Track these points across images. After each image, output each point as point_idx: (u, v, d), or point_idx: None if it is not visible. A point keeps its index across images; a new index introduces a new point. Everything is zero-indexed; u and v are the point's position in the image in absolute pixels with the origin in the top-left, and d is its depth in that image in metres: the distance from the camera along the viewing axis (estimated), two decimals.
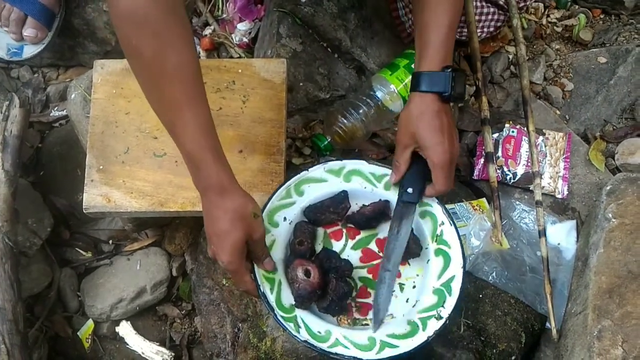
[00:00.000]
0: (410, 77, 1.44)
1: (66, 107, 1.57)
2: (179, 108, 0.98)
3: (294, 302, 1.12)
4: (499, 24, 1.56)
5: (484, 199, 1.38)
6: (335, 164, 1.26)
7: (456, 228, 1.19)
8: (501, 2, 1.54)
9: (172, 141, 1.06)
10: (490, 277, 1.27)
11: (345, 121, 1.44)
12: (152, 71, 0.97)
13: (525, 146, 1.45)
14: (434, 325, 1.11)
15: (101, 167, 1.29)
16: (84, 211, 1.27)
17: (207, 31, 1.73)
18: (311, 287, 1.10)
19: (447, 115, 1.12)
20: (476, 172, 1.45)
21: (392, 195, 1.24)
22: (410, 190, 1.18)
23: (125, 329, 1.47)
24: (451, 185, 1.14)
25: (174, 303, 1.53)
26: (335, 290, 1.11)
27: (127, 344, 1.46)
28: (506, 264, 1.30)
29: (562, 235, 1.39)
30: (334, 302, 1.12)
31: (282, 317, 1.10)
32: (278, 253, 1.18)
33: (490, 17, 1.54)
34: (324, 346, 1.08)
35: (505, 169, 1.43)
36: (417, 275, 1.21)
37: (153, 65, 0.96)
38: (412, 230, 1.18)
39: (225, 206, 1.04)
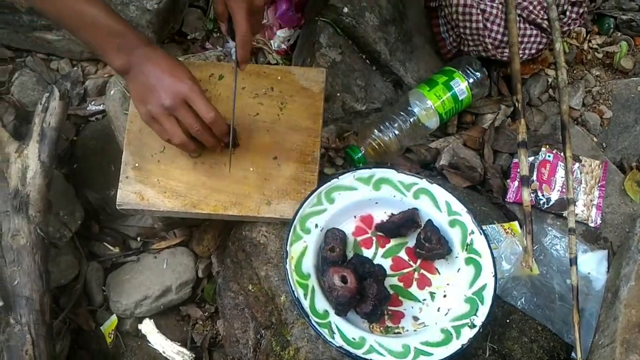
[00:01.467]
0: (448, 94, 1.45)
1: (104, 102, 1.58)
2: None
3: (333, 310, 1.14)
4: (540, 46, 1.56)
5: (515, 223, 1.37)
6: (364, 172, 1.28)
7: (486, 237, 1.22)
8: (544, 25, 1.53)
9: None
10: (519, 302, 1.26)
11: (380, 134, 1.44)
12: None
13: (560, 172, 1.44)
14: (467, 334, 1.13)
15: (137, 164, 1.29)
16: (117, 207, 1.28)
17: None
18: (350, 292, 1.11)
19: None
20: (509, 195, 1.44)
21: (421, 204, 1.26)
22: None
23: (148, 327, 1.47)
24: (258, 29, 1.21)
25: (198, 304, 1.53)
26: (377, 295, 1.12)
27: (149, 342, 1.46)
28: (536, 290, 1.29)
29: (592, 264, 1.37)
30: (377, 307, 1.13)
31: (316, 322, 1.11)
32: (310, 259, 1.19)
33: (532, 39, 1.54)
34: (359, 352, 1.10)
35: (539, 194, 1.42)
36: (448, 284, 1.22)
37: None
38: (438, 229, 1.22)
39: (173, 61, 1.14)
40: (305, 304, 1.13)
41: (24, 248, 1.28)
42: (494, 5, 1.50)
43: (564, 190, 1.42)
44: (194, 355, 1.44)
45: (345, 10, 1.51)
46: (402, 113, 1.46)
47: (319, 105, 1.34)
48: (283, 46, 1.72)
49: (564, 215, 1.42)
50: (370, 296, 1.13)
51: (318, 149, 1.31)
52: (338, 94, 1.51)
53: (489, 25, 1.50)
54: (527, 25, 1.53)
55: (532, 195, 1.41)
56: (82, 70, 1.70)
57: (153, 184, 1.28)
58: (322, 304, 1.15)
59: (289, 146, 1.31)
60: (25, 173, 1.33)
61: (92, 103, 1.66)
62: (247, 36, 1.13)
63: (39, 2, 1.09)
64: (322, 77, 1.36)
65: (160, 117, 1.13)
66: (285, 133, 1.32)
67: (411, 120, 1.46)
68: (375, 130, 1.44)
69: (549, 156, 1.46)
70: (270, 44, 1.73)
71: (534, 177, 1.44)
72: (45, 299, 1.28)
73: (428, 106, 1.46)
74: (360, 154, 1.45)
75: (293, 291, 1.13)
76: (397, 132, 1.44)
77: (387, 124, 1.45)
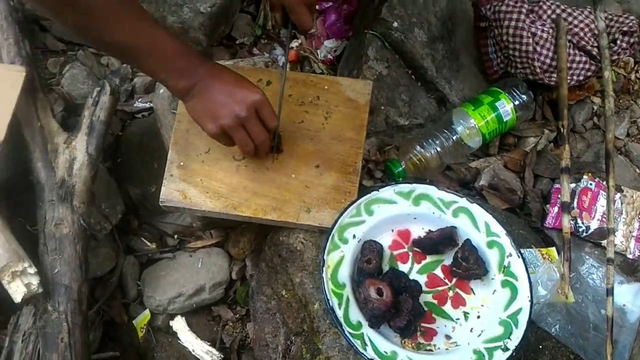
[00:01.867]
0: (493, 115, 1.45)
1: (152, 100, 1.61)
2: (147, 25, 1.06)
3: (366, 322, 1.14)
4: (589, 73, 1.55)
5: (553, 249, 1.36)
6: (405, 187, 1.29)
7: (524, 260, 1.21)
8: (594, 52, 1.52)
9: None
10: (553, 329, 1.25)
11: (422, 150, 1.44)
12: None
13: (602, 200, 1.43)
14: (500, 356, 1.12)
15: (182, 163, 1.31)
16: (160, 204, 1.30)
17: (295, 44, 1.75)
18: (385, 306, 1.11)
19: None
20: (549, 220, 1.43)
21: (460, 223, 1.26)
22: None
23: (179, 324, 1.48)
24: (308, 25, 1.21)
25: (229, 306, 1.54)
26: (412, 311, 1.13)
27: (179, 339, 1.47)
28: (570, 318, 1.28)
29: (628, 296, 1.36)
30: (411, 322, 1.13)
31: (349, 333, 1.11)
32: (346, 269, 1.20)
33: (581, 65, 1.53)
34: None
35: (579, 221, 1.41)
36: (482, 305, 1.22)
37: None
38: (476, 249, 1.21)
39: (235, 74, 1.16)
40: (339, 313, 1.14)
41: (66, 237, 1.30)
42: (545, 29, 1.50)
43: (604, 219, 1.41)
44: (222, 356, 1.45)
45: (395, 24, 1.52)
46: (445, 130, 1.46)
47: (363, 117, 1.35)
48: (329, 56, 1.73)
49: (602, 244, 1.41)
50: (405, 311, 1.14)
51: (360, 161, 1.32)
52: (382, 107, 1.51)
53: (538, 48, 1.50)
54: (576, 52, 1.53)
55: (571, 222, 1.40)
56: (131, 67, 1.73)
57: (196, 183, 1.30)
58: (355, 314, 1.15)
59: (332, 156, 1.32)
60: (72, 164, 1.36)
61: (139, 100, 1.69)
62: (301, 6, 1.16)
63: (104, 32, 1.05)
64: (369, 90, 1.37)
65: (232, 129, 1.14)
66: (328, 142, 1.33)
67: (454, 138, 1.46)
68: (417, 146, 1.45)
69: (590, 184, 1.45)
70: (317, 54, 1.74)
71: (575, 204, 1.43)
72: (83, 289, 1.30)
73: (472, 125, 1.46)
74: (400, 169, 1.45)
75: (328, 300, 1.14)
76: (438, 149, 1.44)
77: (429, 140, 1.45)
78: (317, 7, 1.64)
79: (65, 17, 1.00)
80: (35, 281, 1.21)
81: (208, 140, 1.31)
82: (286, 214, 1.28)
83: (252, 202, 1.29)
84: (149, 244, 1.57)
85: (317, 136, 1.34)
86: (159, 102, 1.46)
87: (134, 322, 1.50)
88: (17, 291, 1.20)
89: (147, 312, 1.50)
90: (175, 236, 1.58)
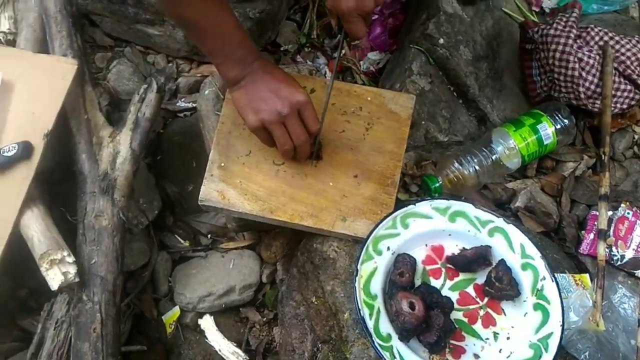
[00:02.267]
0: (534, 137, 1.45)
1: (194, 100, 1.63)
2: (221, 2, 1.11)
3: (396, 334, 1.14)
4: (632, 102, 1.54)
5: (587, 275, 1.35)
6: (441, 202, 1.29)
7: (558, 285, 1.20)
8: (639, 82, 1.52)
9: None
10: (583, 356, 1.24)
11: (459, 167, 1.44)
12: None
13: (638, 230, 1.42)
14: None
15: (222, 164, 1.33)
16: (199, 203, 1.32)
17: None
18: (417, 320, 1.11)
19: None
20: (583, 246, 1.42)
21: (495, 243, 1.26)
22: None
23: (207, 323, 1.50)
24: (359, 33, 1.18)
25: (258, 308, 1.56)
26: (443, 327, 1.13)
27: (207, 338, 1.49)
28: (600, 346, 1.26)
29: None
30: (441, 338, 1.13)
31: (379, 345, 1.12)
32: (378, 281, 1.20)
33: (625, 94, 1.52)
34: None
35: (614, 250, 1.40)
36: (512, 327, 1.21)
37: None
38: (510, 270, 1.21)
39: (284, 73, 1.19)
40: (370, 324, 1.14)
41: (105, 229, 1.32)
42: (592, 55, 1.50)
43: (639, 249, 1.40)
44: (248, 358, 1.46)
45: (441, 41, 1.53)
46: (484, 149, 1.46)
47: (404, 131, 1.36)
48: (372, 68, 1.75)
49: (636, 274, 1.39)
50: (435, 326, 1.13)
51: (399, 174, 1.33)
52: (422, 122, 1.52)
53: (584, 74, 1.49)
54: (621, 80, 1.52)
55: (606, 250, 1.39)
56: (176, 67, 1.76)
57: (235, 185, 1.32)
58: (386, 326, 1.15)
59: (371, 167, 1.33)
60: (115, 158, 1.38)
61: (182, 100, 1.71)
62: (352, 13, 1.15)
63: (176, 6, 1.12)
64: (411, 104, 1.38)
65: (272, 124, 1.17)
66: (368, 153, 1.34)
67: (492, 157, 1.45)
68: (456, 163, 1.45)
69: (628, 213, 1.44)
70: (359, 65, 1.75)
71: (611, 232, 1.42)
72: (118, 281, 1.32)
73: (511, 146, 1.46)
74: (437, 184, 1.45)
75: (359, 310, 1.14)
76: (477, 167, 1.44)
77: (468, 158, 1.45)
78: None
79: None
80: (72, 270, 1.23)
81: (249, 143, 1.33)
82: (322, 221, 1.29)
83: (289, 207, 1.30)
84: (182, 241, 1.59)
85: (357, 146, 1.35)
86: (203, 102, 1.48)
87: (163, 317, 1.52)
88: (54, 279, 1.21)
89: (176, 309, 1.52)
90: (209, 236, 1.60)
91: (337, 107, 1.38)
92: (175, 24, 1.64)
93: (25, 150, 1.27)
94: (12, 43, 1.51)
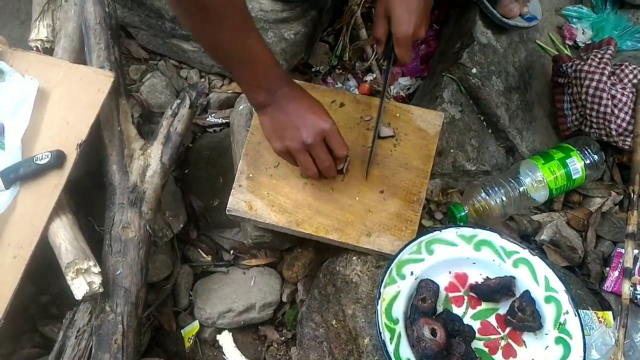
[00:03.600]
0: (562, 171, 1.44)
1: (224, 116, 1.65)
2: (248, 28, 1.10)
3: (413, 359, 1.13)
4: None
5: (610, 313, 1.34)
6: (467, 231, 1.28)
7: (580, 320, 1.19)
8: None
9: None
10: None
11: (486, 197, 1.44)
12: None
13: None
14: None
15: (251, 175, 1.35)
16: (227, 212, 1.33)
17: (369, 77, 1.78)
18: (438, 347, 1.11)
19: None
20: (608, 283, 1.41)
21: (519, 274, 1.25)
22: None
23: (225, 339, 1.50)
24: (408, 59, 1.24)
25: (276, 327, 1.56)
26: (464, 356, 1.12)
27: (224, 354, 1.49)
28: None
29: None
30: None
31: None
32: (400, 306, 1.20)
33: None
34: None
35: (638, 288, 1.39)
36: (533, 359, 1.20)
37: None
38: (534, 302, 1.20)
39: (312, 100, 1.19)
40: (390, 348, 1.14)
41: (132, 241, 1.33)
42: (625, 93, 1.49)
43: None
44: None
45: (474, 71, 1.53)
46: (511, 180, 1.46)
47: (432, 148, 1.36)
48: (402, 93, 1.75)
49: None
50: (456, 355, 1.13)
51: (424, 190, 1.33)
52: (451, 150, 1.52)
53: (616, 111, 1.49)
54: None
55: (631, 288, 1.38)
56: (209, 82, 1.77)
57: (263, 196, 1.33)
58: (406, 351, 1.15)
59: (397, 183, 1.34)
60: (145, 171, 1.40)
61: (213, 115, 1.73)
62: (408, 39, 1.20)
63: (197, 34, 1.14)
64: (440, 121, 1.38)
65: (297, 152, 1.18)
66: (395, 169, 1.35)
67: (520, 189, 1.45)
68: (482, 192, 1.45)
69: None
70: (389, 89, 1.76)
71: (636, 271, 1.40)
72: (141, 294, 1.32)
73: (539, 179, 1.46)
74: (463, 213, 1.45)
75: (380, 333, 1.14)
76: (503, 198, 1.44)
77: (495, 188, 1.45)
78: None
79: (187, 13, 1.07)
80: (97, 280, 1.24)
81: (277, 156, 1.34)
82: (347, 235, 1.30)
83: (315, 220, 1.31)
84: (205, 256, 1.59)
85: (384, 162, 1.35)
86: (236, 117, 1.49)
87: (182, 331, 1.52)
88: (79, 288, 1.22)
89: (196, 323, 1.52)
90: (232, 251, 1.60)
91: (366, 121, 1.39)
92: (201, 46, 1.64)
93: (58, 159, 1.29)
94: (49, 52, 1.53)
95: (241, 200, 1.33)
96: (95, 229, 1.42)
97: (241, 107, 1.48)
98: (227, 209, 1.33)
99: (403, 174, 1.34)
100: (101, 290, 1.25)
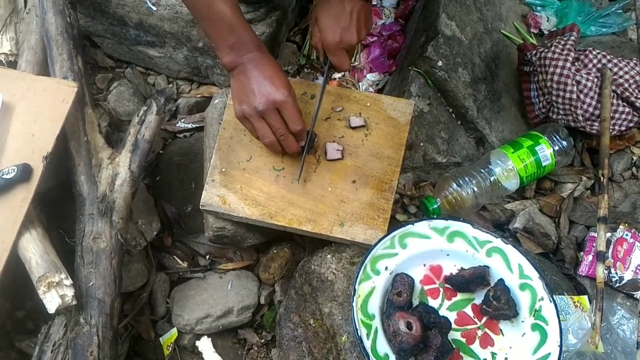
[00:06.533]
0: (532, 158, 1.45)
1: (193, 121, 1.64)
2: None
3: (394, 354, 1.13)
4: (630, 124, 1.55)
5: (585, 297, 1.35)
6: (440, 223, 1.29)
7: (556, 306, 1.20)
8: (638, 104, 1.52)
9: (291, 158, 1.30)
10: None
11: (458, 189, 1.44)
12: None
13: (637, 252, 1.42)
14: None
15: (224, 169, 1.35)
16: (200, 207, 1.33)
17: (337, 75, 1.78)
18: (414, 340, 1.11)
19: (353, 4, 1.24)
20: (582, 268, 1.42)
21: (493, 263, 1.25)
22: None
23: (205, 345, 1.49)
24: (343, 65, 1.29)
25: (255, 330, 1.55)
26: (440, 347, 1.12)
27: None
28: None
29: None
30: (438, 358, 1.12)
31: None
32: (376, 301, 1.20)
33: (623, 116, 1.53)
34: None
35: (613, 271, 1.40)
36: (510, 347, 1.21)
37: None
38: (509, 290, 1.21)
39: (275, 69, 1.20)
40: (367, 344, 1.14)
41: (103, 252, 1.32)
42: (590, 78, 1.51)
43: (638, 271, 1.40)
44: None
45: (440, 63, 1.54)
46: (482, 171, 1.47)
47: (403, 136, 1.37)
48: (371, 89, 1.76)
49: (635, 296, 1.39)
50: (433, 347, 1.13)
51: (396, 179, 1.34)
52: (421, 144, 1.52)
53: (582, 97, 1.50)
54: (620, 102, 1.53)
55: (605, 271, 1.39)
56: (177, 87, 1.77)
57: (236, 190, 1.33)
58: (383, 346, 1.15)
59: (369, 172, 1.34)
60: (114, 180, 1.38)
61: (182, 120, 1.72)
62: (335, 46, 1.25)
63: None
64: (410, 109, 1.39)
65: (251, 117, 1.20)
66: (366, 159, 1.35)
67: (491, 179, 1.46)
68: (454, 184, 1.45)
69: (626, 234, 1.44)
70: (358, 86, 1.76)
71: (609, 254, 1.42)
72: (115, 304, 1.31)
73: (510, 167, 1.46)
74: (436, 205, 1.45)
75: (357, 329, 1.14)
76: (475, 188, 1.44)
77: (466, 179, 1.45)
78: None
79: None
80: (70, 293, 1.22)
81: (250, 149, 1.35)
82: (320, 226, 1.30)
83: (288, 212, 1.32)
84: (180, 262, 1.58)
85: (355, 152, 1.36)
86: (211, 111, 1.50)
87: (160, 339, 1.51)
88: (51, 302, 1.20)
89: (174, 331, 1.51)
90: (207, 257, 1.59)
91: (337, 112, 1.39)
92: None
93: (25, 172, 1.27)
94: (13, 65, 1.51)
95: (214, 195, 1.33)
96: (67, 241, 1.40)
97: (216, 100, 1.48)
98: (201, 203, 1.33)
99: (375, 163, 1.35)
100: (74, 302, 1.22)
